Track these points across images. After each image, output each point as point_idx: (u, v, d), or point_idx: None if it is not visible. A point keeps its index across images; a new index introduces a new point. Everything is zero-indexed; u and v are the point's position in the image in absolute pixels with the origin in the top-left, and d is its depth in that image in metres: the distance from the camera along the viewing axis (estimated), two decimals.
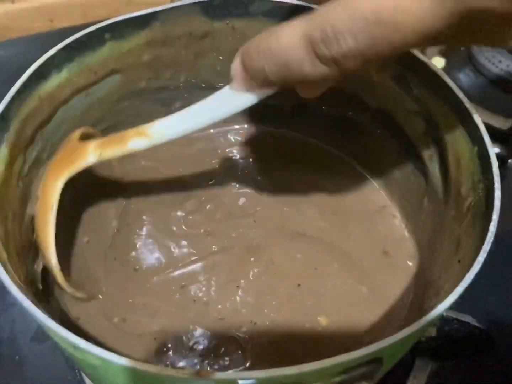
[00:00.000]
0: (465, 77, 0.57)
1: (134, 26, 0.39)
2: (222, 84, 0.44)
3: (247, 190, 0.46)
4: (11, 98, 0.33)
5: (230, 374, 0.24)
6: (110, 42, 0.38)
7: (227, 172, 0.47)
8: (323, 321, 0.38)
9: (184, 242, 0.42)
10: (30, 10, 0.65)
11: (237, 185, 0.46)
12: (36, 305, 0.26)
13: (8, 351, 0.41)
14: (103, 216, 0.44)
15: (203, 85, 0.45)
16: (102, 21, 0.38)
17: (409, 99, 0.39)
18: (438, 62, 0.59)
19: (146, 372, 0.24)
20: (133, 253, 0.41)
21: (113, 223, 0.43)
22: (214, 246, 0.42)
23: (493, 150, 0.32)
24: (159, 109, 0.45)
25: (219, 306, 0.39)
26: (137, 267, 0.41)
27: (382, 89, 0.41)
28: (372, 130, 0.44)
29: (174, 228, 0.43)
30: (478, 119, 0.34)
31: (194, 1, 0.40)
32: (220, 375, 0.24)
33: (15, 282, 0.27)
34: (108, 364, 0.25)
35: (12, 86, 0.34)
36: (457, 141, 0.36)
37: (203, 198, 0.45)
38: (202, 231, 0.43)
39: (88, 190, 0.43)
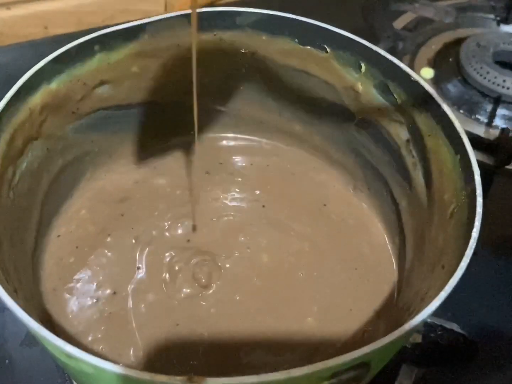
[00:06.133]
0: (454, 87, 0.59)
1: (123, 38, 0.39)
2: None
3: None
4: (1, 110, 0.33)
5: (221, 380, 0.24)
6: (100, 54, 0.39)
7: None
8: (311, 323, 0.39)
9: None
10: (25, 17, 0.65)
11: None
12: (29, 314, 0.26)
13: None
14: None
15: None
16: (96, 28, 0.38)
17: (393, 108, 0.40)
18: (426, 73, 0.60)
19: (139, 379, 0.24)
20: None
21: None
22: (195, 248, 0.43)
23: (475, 158, 0.33)
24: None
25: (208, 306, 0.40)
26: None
27: (366, 98, 0.41)
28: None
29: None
30: (460, 127, 0.35)
31: (181, 13, 0.40)
32: (212, 381, 0.24)
33: (6, 289, 0.27)
34: (101, 372, 0.25)
35: (6, 92, 0.34)
36: (439, 150, 0.36)
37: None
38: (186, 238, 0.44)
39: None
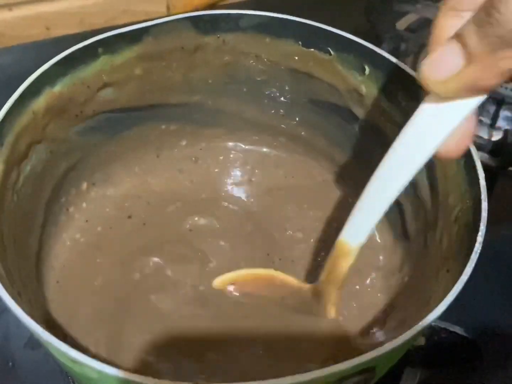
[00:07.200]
0: None
1: (127, 40, 0.39)
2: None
3: None
4: (5, 113, 0.33)
5: None
6: (103, 56, 0.39)
7: None
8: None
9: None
10: (27, 18, 0.64)
11: None
12: (32, 317, 0.26)
13: (1, 357, 0.40)
14: None
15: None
16: (98, 29, 0.38)
17: (397, 112, 0.40)
18: None
19: None
20: None
21: None
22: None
23: (480, 162, 0.33)
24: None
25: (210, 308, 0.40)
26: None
27: (370, 101, 0.41)
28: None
29: None
30: None
31: (185, 16, 0.40)
32: None
33: (9, 293, 0.27)
34: (106, 377, 0.25)
35: (8, 94, 0.34)
36: None
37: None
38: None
39: None
